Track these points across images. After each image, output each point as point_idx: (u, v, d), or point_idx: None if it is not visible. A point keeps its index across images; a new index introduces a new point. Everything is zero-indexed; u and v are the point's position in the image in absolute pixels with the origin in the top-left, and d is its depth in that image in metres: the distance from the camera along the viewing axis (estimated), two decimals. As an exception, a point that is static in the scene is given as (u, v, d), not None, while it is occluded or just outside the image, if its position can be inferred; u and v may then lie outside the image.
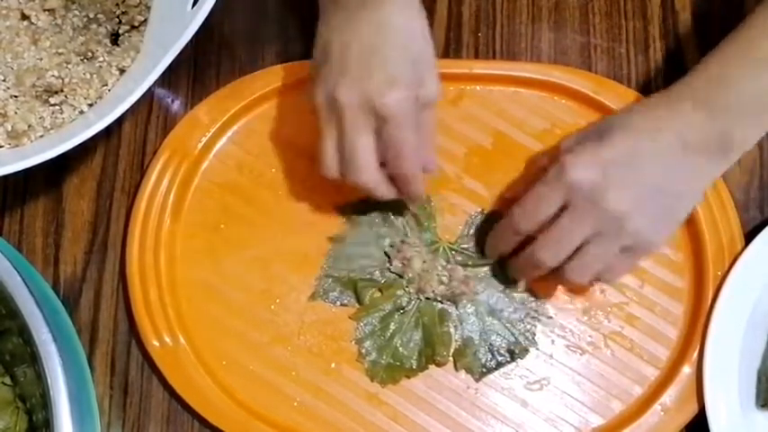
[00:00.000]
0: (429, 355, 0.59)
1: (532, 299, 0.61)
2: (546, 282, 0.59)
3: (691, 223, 0.61)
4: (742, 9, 0.67)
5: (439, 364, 0.60)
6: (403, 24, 0.54)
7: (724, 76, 0.53)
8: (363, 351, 0.60)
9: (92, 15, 0.64)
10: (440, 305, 0.60)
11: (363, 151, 0.54)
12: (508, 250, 0.59)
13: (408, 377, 0.59)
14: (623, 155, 0.52)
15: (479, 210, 0.63)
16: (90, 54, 0.63)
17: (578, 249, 0.54)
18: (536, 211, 0.54)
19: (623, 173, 0.52)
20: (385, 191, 0.56)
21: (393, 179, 0.56)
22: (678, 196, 0.54)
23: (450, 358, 0.60)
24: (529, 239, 0.56)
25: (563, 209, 0.53)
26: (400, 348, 0.59)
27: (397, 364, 0.59)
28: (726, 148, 0.54)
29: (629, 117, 0.54)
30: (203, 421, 0.59)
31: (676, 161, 0.53)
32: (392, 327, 0.60)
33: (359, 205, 0.62)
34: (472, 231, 0.62)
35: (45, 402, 0.49)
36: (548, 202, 0.53)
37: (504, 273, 0.60)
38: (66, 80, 0.62)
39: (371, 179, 0.55)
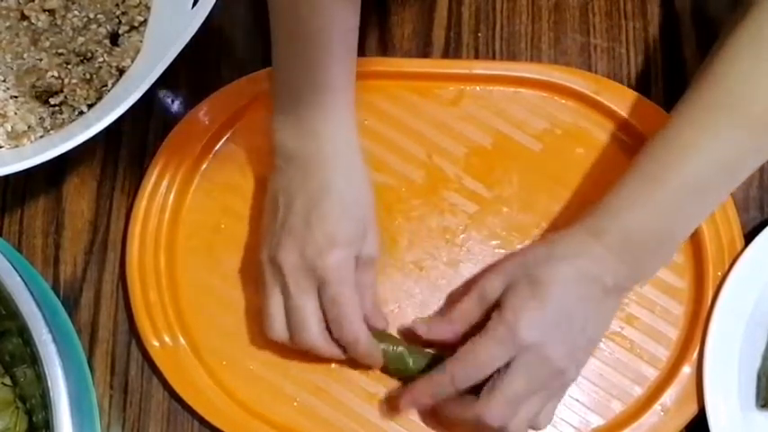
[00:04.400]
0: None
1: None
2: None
3: (691, 223, 0.62)
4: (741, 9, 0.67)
5: None
6: (344, 187, 0.56)
7: (627, 228, 0.54)
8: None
9: (91, 16, 0.64)
10: None
11: (309, 315, 0.55)
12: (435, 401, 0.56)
13: None
14: (561, 311, 0.53)
15: (478, 208, 0.63)
16: (90, 54, 0.63)
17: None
18: (481, 369, 0.53)
19: (563, 329, 0.53)
20: (335, 352, 0.56)
21: (339, 342, 0.56)
22: (598, 335, 0.57)
23: None
24: None
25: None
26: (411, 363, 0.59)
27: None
28: (632, 286, 0.58)
29: (557, 266, 0.53)
30: (203, 421, 0.59)
31: (599, 305, 0.55)
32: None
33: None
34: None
35: (45, 403, 0.49)
36: (497, 360, 0.52)
37: None
38: (66, 81, 0.62)
39: (318, 343, 0.55)
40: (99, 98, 0.62)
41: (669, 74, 0.66)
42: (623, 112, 0.64)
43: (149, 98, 0.65)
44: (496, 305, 0.54)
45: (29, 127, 0.61)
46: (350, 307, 0.55)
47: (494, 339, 0.52)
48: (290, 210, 0.56)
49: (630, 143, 0.64)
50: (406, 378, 0.58)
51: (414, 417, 0.59)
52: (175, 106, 0.65)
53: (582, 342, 0.54)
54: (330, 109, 0.57)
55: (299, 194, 0.56)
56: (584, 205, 0.62)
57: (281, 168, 0.58)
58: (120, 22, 0.64)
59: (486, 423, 0.53)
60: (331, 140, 0.57)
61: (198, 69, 0.66)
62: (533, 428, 0.55)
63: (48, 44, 0.63)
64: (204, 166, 0.64)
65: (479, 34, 0.67)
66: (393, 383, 0.59)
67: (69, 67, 0.62)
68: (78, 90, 0.62)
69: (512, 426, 0.53)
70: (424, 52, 0.67)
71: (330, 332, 0.56)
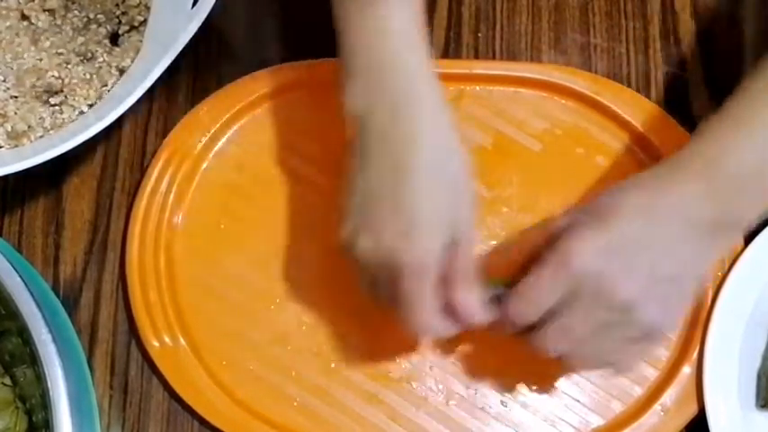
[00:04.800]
0: None
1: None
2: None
3: (691, 223, 0.62)
4: (741, 9, 0.67)
5: None
6: (430, 145, 0.49)
7: (719, 153, 0.49)
8: None
9: (92, 16, 0.64)
10: None
11: (383, 301, 0.51)
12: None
13: None
14: (628, 240, 0.48)
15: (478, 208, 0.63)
16: (90, 54, 0.63)
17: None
18: (538, 303, 0.49)
19: (629, 259, 0.48)
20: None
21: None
22: (683, 279, 0.50)
23: None
24: None
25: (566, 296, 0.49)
26: None
27: None
28: (729, 227, 0.50)
29: (631, 197, 0.49)
30: (203, 421, 0.59)
31: (681, 243, 0.49)
32: None
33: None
34: None
35: (45, 403, 0.49)
36: (551, 293, 0.49)
37: None
38: (66, 80, 0.62)
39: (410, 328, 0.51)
40: (99, 98, 0.62)
41: (669, 74, 0.66)
42: (623, 112, 0.64)
43: (149, 98, 0.65)
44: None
45: (29, 127, 0.61)
46: (420, 311, 0.49)
47: (548, 270, 0.48)
48: (368, 189, 0.49)
49: (630, 143, 0.64)
50: None
51: (414, 417, 0.59)
52: (175, 106, 0.65)
53: (658, 277, 0.48)
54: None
55: (376, 168, 0.49)
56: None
57: (356, 141, 0.51)
58: (120, 22, 0.64)
59: (544, 350, 0.50)
60: (402, 49, 0.50)
61: (198, 69, 0.66)
62: (617, 371, 0.52)
63: (48, 44, 0.63)
64: (204, 166, 0.64)
65: (479, 34, 0.67)
66: (393, 384, 0.59)
67: (69, 67, 0.62)
68: (78, 90, 0.62)
69: (578, 361, 0.51)
70: (424, 52, 0.67)
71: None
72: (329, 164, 0.63)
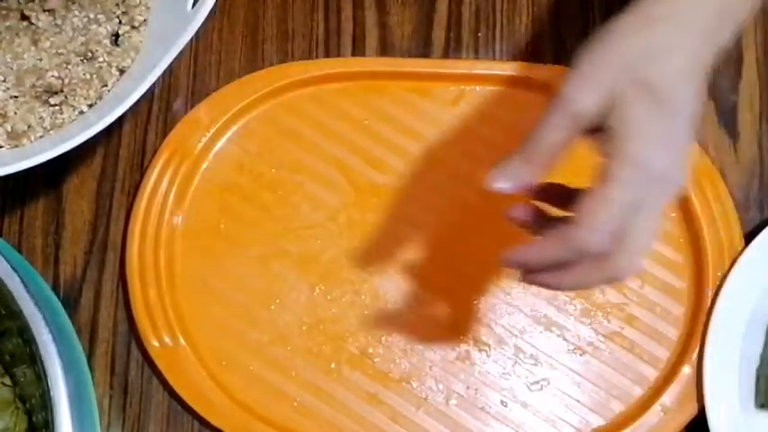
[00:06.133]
0: None
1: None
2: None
3: (691, 224, 0.62)
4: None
5: None
6: None
7: None
8: None
9: (92, 16, 0.64)
10: None
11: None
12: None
13: None
14: (684, 122, 0.43)
15: (478, 208, 0.63)
16: (90, 54, 0.63)
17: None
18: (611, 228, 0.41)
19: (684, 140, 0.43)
20: None
21: None
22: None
23: None
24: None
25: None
26: None
27: None
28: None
29: (669, 60, 0.43)
30: (203, 421, 0.59)
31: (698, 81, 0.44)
32: None
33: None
34: None
35: (45, 403, 0.49)
36: (627, 211, 0.41)
37: None
38: (66, 80, 0.62)
39: None
40: (99, 98, 0.62)
41: (669, 74, 0.66)
42: (623, 112, 0.64)
43: (149, 98, 0.65)
44: (597, 130, 0.43)
45: (29, 127, 0.61)
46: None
47: (622, 187, 0.41)
48: None
49: (630, 143, 0.64)
50: None
51: (414, 417, 0.59)
52: (175, 106, 0.65)
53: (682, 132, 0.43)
54: None
55: None
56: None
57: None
58: (120, 22, 0.64)
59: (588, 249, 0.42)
60: None
61: (198, 69, 0.66)
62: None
63: (48, 44, 0.63)
64: (204, 166, 0.64)
65: (479, 34, 0.67)
66: (393, 384, 0.60)
67: (69, 67, 0.62)
68: (78, 90, 0.62)
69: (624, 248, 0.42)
70: (424, 52, 0.67)
71: None
72: (329, 163, 0.64)
